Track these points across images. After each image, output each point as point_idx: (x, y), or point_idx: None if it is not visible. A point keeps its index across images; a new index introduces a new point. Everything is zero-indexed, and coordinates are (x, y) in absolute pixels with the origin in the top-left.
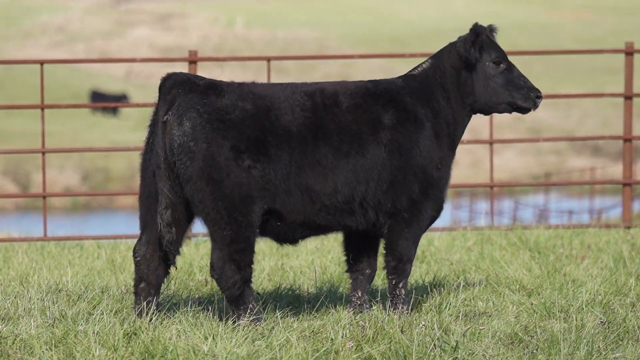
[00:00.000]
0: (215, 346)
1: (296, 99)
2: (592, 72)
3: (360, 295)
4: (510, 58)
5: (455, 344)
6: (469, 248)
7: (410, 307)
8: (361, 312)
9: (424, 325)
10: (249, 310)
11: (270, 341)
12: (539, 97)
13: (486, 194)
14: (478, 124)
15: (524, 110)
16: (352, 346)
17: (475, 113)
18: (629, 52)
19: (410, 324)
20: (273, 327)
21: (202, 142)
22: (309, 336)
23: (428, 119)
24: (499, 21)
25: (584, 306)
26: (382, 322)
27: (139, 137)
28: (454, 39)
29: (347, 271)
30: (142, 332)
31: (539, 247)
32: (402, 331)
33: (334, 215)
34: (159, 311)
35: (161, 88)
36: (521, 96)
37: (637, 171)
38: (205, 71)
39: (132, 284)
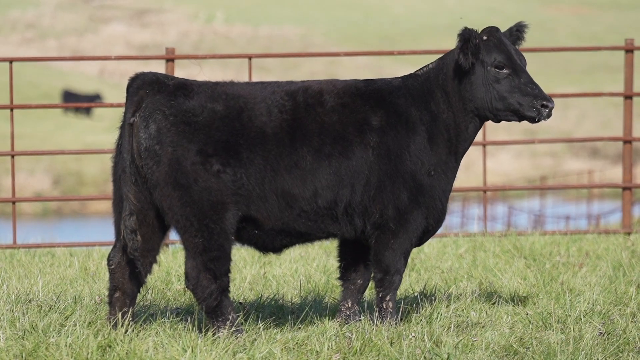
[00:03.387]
0: (195, 359)
1: (274, 99)
2: (590, 70)
3: (349, 305)
4: None
5: (446, 356)
6: (461, 255)
7: (399, 320)
8: (348, 322)
9: (413, 336)
10: (228, 322)
11: (253, 354)
12: (545, 105)
13: (479, 199)
14: None
15: (530, 119)
16: (338, 359)
17: (483, 120)
18: (629, 50)
19: (400, 336)
20: (255, 339)
21: (167, 145)
22: (293, 348)
23: (423, 122)
24: (493, 17)
25: (582, 316)
26: (369, 333)
27: (114, 139)
28: (445, 36)
29: (338, 279)
30: (117, 344)
31: (534, 255)
32: (391, 343)
33: (315, 221)
34: (134, 322)
35: (129, 88)
36: (526, 104)
37: (638, 174)
38: (184, 69)
39: (107, 293)
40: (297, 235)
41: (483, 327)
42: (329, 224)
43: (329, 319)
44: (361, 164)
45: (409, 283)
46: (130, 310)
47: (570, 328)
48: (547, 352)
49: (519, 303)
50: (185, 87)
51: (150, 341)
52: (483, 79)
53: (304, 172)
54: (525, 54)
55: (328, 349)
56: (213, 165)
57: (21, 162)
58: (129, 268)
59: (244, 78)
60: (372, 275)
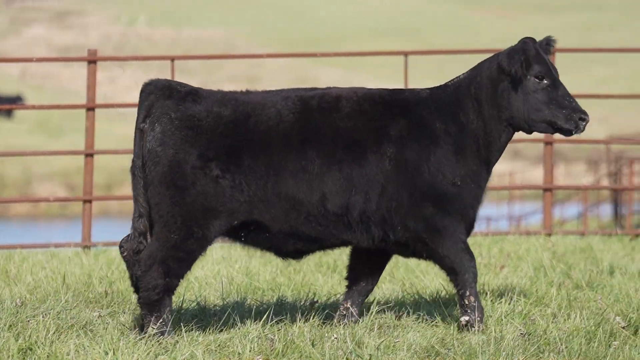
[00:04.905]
0: None
1: (286, 104)
2: None
3: (348, 305)
4: (428, 57)
5: (368, 357)
6: None
7: (482, 315)
8: (341, 322)
9: (336, 338)
10: (160, 320)
11: (174, 356)
12: (583, 119)
13: None
14: None
15: (565, 132)
16: None
17: (515, 130)
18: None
19: (322, 337)
20: (177, 341)
21: (169, 147)
22: (215, 350)
23: (449, 133)
24: (418, 19)
25: (503, 317)
26: (291, 335)
27: (35, 141)
28: (368, 38)
29: (345, 278)
30: (38, 347)
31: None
32: (313, 344)
33: (326, 226)
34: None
35: (141, 94)
36: (563, 116)
37: (558, 176)
38: (106, 71)
39: (130, 283)
40: (309, 240)
41: (405, 328)
42: (341, 231)
43: (251, 321)
44: (376, 172)
45: (332, 285)
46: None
47: (491, 329)
48: (469, 352)
49: (441, 304)
50: (195, 94)
51: (72, 344)
52: (522, 88)
53: (311, 176)
54: (448, 57)
55: (250, 351)
56: (212, 170)
57: None
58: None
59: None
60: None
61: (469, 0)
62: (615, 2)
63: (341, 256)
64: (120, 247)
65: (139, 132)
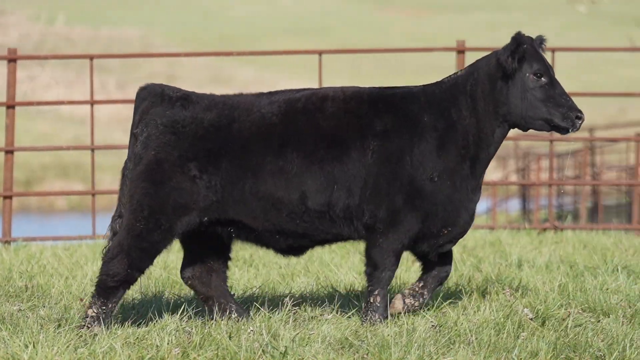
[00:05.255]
0: (36, 354)
1: (271, 108)
2: (424, 70)
3: (419, 288)
4: (341, 56)
5: (284, 350)
6: None
7: (386, 316)
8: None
9: (252, 330)
10: (103, 308)
11: (94, 349)
12: (579, 117)
13: None
14: None
15: (561, 130)
16: (178, 353)
17: (511, 127)
18: (460, 50)
19: (238, 330)
20: (96, 335)
21: (150, 149)
22: (134, 343)
23: (436, 128)
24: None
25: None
26: (209, 328)
27: None
28: (283, 37)
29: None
30: None
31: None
32: (229, 337)
33: (310, 222)
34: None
35: (136, 99)
36: (560, 114)
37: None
38: (26, 70)
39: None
40: (297, 235)
41: (320, 320)
42: (328, 226)
43: (169, 315)
44: (358, 167)
45: (248, 279)
46: (232, 306)
47: (403, 321)
48: (382, 344)
49: (355, 297)
50: (185, 99)
51: None
52: (520, 85)
53: (290, 175)
54: (361, 55)
55: (168, 344)
56: (191, 170)
57: None
58: (204, 275)
59: (86, 78)
60: (364, 269)
61: (380, 0)
62: (521, 2)
63: (257, 251)
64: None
65: (133, 137)
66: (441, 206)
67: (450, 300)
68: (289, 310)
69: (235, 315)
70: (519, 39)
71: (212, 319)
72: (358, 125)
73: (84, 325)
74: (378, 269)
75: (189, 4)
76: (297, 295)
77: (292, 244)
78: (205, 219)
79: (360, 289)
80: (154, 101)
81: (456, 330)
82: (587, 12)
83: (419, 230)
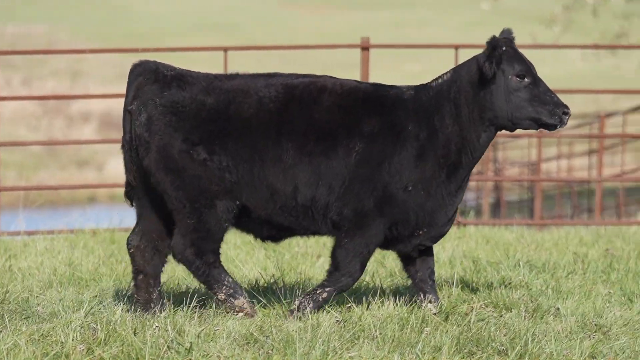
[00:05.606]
0: None
1: (268, 92)
2: (329, 67)
3: (422, 297)
4: (247, 53)
5: (189, 345)
6: None
7: (314, 312)
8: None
9: (157, 326)
10: (224, 286)
11: None
12: (566, 113)
13: None
14: None
15: (550, 127)
16: (83, 349)
17: (498, 130)
18: (365, 47)
19: (144, 326)
20: (1, 331)
21: (154, 133)
22: (39, 340)
23: (417, 138)
24: (235, 16)
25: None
26: (114, 324)
27: None
28: (189, 35)
29: (407, 277)
30: None
31: (274, 246)
32: (135, 333)
33: (296, 217)
34: (161, 302)
35: (130, 75)
36: (547, 112)
37: None
38: None
39: (132, 276)
40: (282, 228)
41: (225, 316)
42: (307, 222)
43: (74, 311)
44: (342, 166)
45: None
46: (156, 291)
47: (308, 316)
48: (286, 339)
49: (260, 293)
50: (181, 79)
51: None
52: (504, 88)
53: (286, 166)
54: (267, 52)
55: (73, 340)
56: (199, 154)
57: None
58: (148, 250)
59: None
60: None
61: None
62: (424, 0)
63: None
64: (128, 244)
65: (127, 113)
66: (413, 214)
67: (354, 296)
68: (194, 306)
69: (154, 302)
70: (494, 43)
71: (134, 294)
72: (349, 123)
73: (222, 302)
74: (339, 270)
75: (94, 1)
76: (202, 292)
77: (275, 235)
78: (237, 202)
79: (265, 284)
80: (149, 78)
81: (360, 325)
82: (491, 9)
83: (389, 235)
